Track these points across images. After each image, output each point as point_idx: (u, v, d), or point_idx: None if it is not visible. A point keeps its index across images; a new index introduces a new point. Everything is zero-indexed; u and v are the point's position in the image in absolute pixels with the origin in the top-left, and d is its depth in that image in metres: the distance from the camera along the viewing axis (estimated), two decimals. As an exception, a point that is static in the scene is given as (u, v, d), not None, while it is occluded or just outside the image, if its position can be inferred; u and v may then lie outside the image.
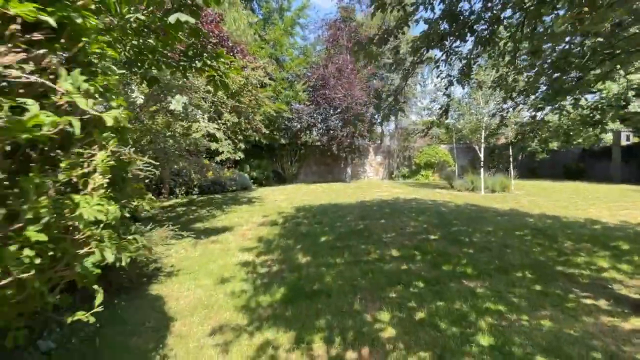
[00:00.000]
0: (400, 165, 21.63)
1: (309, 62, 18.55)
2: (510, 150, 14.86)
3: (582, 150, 19.99)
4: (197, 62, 3.54)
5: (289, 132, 19.57)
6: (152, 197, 2.81)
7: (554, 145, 20.68)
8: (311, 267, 4.36)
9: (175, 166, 13.77)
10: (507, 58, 5.06)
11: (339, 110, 18.32)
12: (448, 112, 5.24)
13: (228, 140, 7.77)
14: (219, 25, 12.58)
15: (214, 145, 7.39)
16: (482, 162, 12.48)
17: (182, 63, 3.45)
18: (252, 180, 16.00)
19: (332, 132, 18.30)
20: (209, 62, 3.63)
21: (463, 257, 4.73)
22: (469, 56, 4.73)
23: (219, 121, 7.87)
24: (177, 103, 4.33)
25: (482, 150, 12.40)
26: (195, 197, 12.45)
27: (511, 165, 13.40)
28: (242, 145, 8.47)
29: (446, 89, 4.81)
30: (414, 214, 7.78)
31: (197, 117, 4.86)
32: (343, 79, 17.78)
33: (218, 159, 7.69)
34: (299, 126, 19.30)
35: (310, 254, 4.88)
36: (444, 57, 4.61)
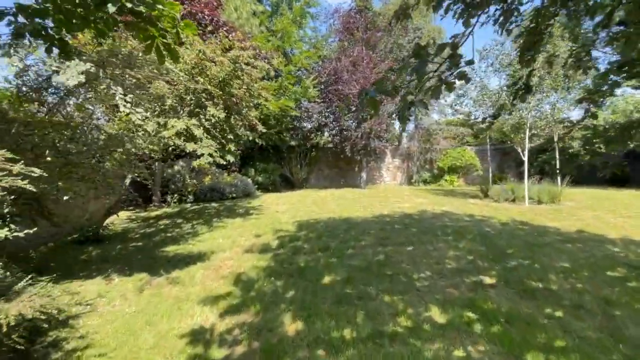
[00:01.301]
0: (421, 169, 19.61)
1: (320, 56, 16.87)
2: (557, 153, 12.70)
3: (624, 152, 17.31)
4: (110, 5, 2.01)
5: (298, 132, 17.97)
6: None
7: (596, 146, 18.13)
8: (301, 347, 2.63)
9: (170, 170, 12.45)
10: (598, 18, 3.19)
11: (353, 108, 16.56)
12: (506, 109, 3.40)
13: (211, 139, 6.16)
14: (216, 10, 11.10)
15: (190, 146, 5.80)
16: (524, 166, 10.42)
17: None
18: (256, 186, 14.45)
19: (345, 132, 16.55)
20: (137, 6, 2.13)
21: (551, 327, 2.89)
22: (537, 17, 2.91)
23: (201, 117, 6.28)
24: (70, 73, 2.69)
25: (526, 151, 10.33)
26: (188, 205, 10.96)
27: (558, 171, 11.25)
28: (233, 147, 6.84)
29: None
30: (450, 236, 5.92)
31: (117, 98, 3.27)
32: (358, 73, 16.02)
33: (195, 163, 6.08)
34: (309, 126, 17.66)
35: (303, 314, 3.15)
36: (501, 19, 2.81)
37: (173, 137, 5.66)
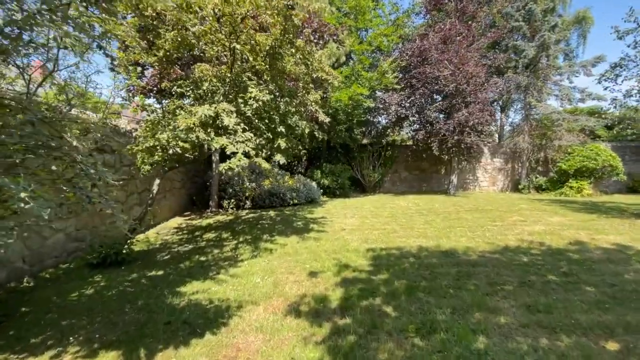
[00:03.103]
0: (532, 172, 15.21)
1: (401, 36, 14.09)
2: None
3: None
4: None
5: (371, 128, 15.51)
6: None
7: None
8: None
9: (230, 172, 11.28)
10: None
11: (443, 94, 13.37)
12: None
13: (250, 132, 4.25)
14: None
15: (217, 142, 3.95)
16: None
17: None
18: (322, 190, 12.52)
19: (431, 126, 13.49)
20: None
21: None
22: None
23: (239, 100, 4.43)
24: None
25: None
26: (244, 213, 9.52)
27: None
28: (283, 143, 4.84)
29: None
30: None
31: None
32: (450, 51, 12.83)
33: (224, 166, 4.17)
34: (384, 121, 15.05)
35: None
36: None
37: (195, 128, 3.92)
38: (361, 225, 7.22)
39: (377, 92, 13.25)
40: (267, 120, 4.90)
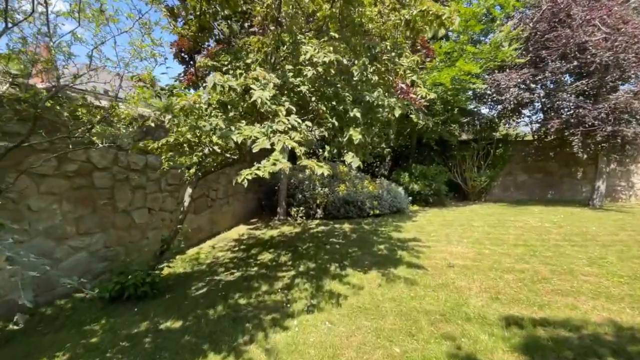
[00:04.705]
0: None
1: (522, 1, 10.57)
2: None
3: None
4: None
5: (476, 120, 12.28)
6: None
7: None
8: None
9: (301, 175, 9.78)
10: None
11: (592, 69, 9.47)
12: None
13: (302, 121, 2.47)
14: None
15: (242, 133, 2.24)
16: None
17: None
18: (411, 197, 10.12)
19: (570, 113, 9.80)
20: None
21: None
22: None
23: (286, 68, 2.70)
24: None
25: None
26: (314, 224, 7.94)
27: None
28: (358, 136, 2.87)
29: None
30: None
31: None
32: (602, 8, 8.99)
33: (245, 174, 2.44)
34: (491, 111, 11.67)
35: None
36: None
37: (208, 111, 2.35)
38: (477, 259, 4.77)
39: (484, 74, 10.13)
40: (332, 101, 3.06)
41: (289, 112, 2.43)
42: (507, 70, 10.21)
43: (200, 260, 5.35)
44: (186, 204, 3.88)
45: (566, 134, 9.82)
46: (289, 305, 3.37)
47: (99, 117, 3.27)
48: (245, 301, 3.54)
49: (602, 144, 9.57)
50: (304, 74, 2.66)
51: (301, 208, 8.58)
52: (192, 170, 3.85)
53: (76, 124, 3.38)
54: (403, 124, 10.95)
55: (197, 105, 2.44)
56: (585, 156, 9.92)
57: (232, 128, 2.26)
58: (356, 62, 2.82)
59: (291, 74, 2.72)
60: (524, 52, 10.02)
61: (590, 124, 9.30)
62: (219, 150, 3.66)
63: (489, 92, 10.61)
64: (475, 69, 8.49)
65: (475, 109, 11.99)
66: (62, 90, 3.02)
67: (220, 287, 3.97)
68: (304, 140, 2.60)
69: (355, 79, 2.97)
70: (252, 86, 2.29)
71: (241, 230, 7.69)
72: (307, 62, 2.67)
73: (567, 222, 7.50)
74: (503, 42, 9.32)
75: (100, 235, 4.26)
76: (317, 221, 8.27)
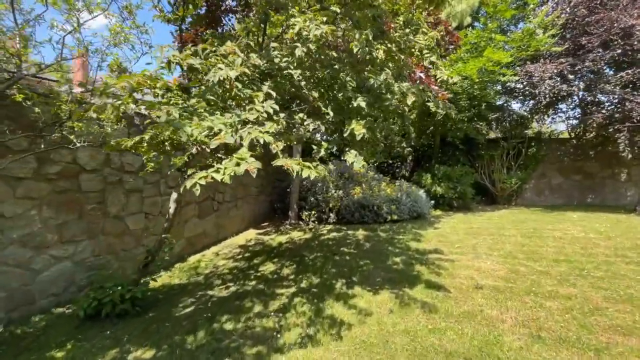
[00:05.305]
0: None
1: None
2: None
3: None
4: None
5: (506, 116, 11.27)
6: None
7: None
8: None
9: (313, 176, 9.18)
10: None
11: (630, 59, 8.30)
12: None
13: (291, 112, 1.94)
14: None
15: (196, 127, 1.70)
16: None
17: None
18: (433, 201, 9.35)
19: (611, 107, 8.71)
20: None
21: None
22: None
23: (270, 47, 2.19)
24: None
25: None
26: (325, 230, 7.40)
27: None
28: (361, 130, 2.31)
29: None
30: None
31: None
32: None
33: (223, 174, 1.93)
34: (530, 104, 10.61)
35: None
36: None
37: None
38: (511, 278, 4.04)
39: (515, 65, 9.15)
40: (331, 88, 2.51)
41: (267, 97, 1.91)
42: (542, 60, 9.20)
43: (200, 269, 4.97)
44: (171, 210, 3.46)
45: (610, 130, 8.71)
46: (279, 335, 2.85)
47: (70, 111, 2.91)
48: (232, 326, 3.06)
49: (652, 142, 8.41)
50: (291, 45, 2.13)
51: (313, 212, 8.06)
52: (179, 172, 3.44)
53: (47, 120, 3.04)
54: (425, 121, 10.18)
55: (150, 90, 1.98)
56: (630, 156, 8.75)
57: (195, 119, 1.78)
58: (357, 37, 2.27)
59: (276, 52, 2.21)
60: (560, 41, 8.98)
61: (638, 118, 8.16)
62: (208, 150, 3.19)
63: (520, 85, 9.64)
64: (505, 58, 7.62)
65: (505, 105, 11.01)
66: (38, 83, 2.68)
67: (210, 306, 3.52)
68: (294, 136, 2.07)
69: (358, 53, 2.37)
70: (219, 65, 1.80)
71: (250, 235, 7.29)
72: (296, 39, 2.15)
73: (614, 232, 6.52)
74: (537, 29, 8.36)
75: (88, 243, 3.93)
76: (329, 226, 7.73)
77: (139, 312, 3.37)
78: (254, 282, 4.25)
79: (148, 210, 4.81)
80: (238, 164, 1.66)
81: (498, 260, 4.75)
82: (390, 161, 11.98)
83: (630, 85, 8.78)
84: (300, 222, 8.23)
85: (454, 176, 9.84)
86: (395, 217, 7.84)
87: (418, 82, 3.30)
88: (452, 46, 7.76)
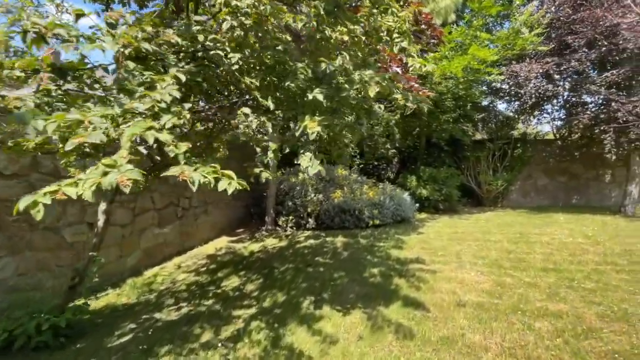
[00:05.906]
0: None
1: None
2: None
3: None
4: None
5: (491, 117, 11.07)
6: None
7: None
8: None
9: (293, 179, 8.68)
10: None
11: (624, 56, 8.16)
12: None
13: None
14: None
15: (71, 117, 1.30)
16: None
17: None
18: (418, 204, 8.98)
19: (599, 108, 8.56)
20: None
21: None
22: None
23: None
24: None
25: None
26: (303, 237, 6.93)
27: None
28: (315, 127, 1.89)
29: None
30: None
31: None
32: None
33: (83, 188, 1.53)
34: (515, 104, 10.39)
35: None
36: None
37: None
38: (496, 292, 3.66)
39: (500, 65, 8.88)
40: (280, 78, 2.05)
41: (178, 85, 1.46)
42: (527, 60, 9.00)
43: (154, 285, 4.43)
44: (100, 223, 2.93)
45: (596, 131, 8.54)
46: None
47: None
48: (171, 362, 2.56)
49: (636, 143, 8.25)
50: (222, 28, 1.69)
51: (291, 217, 7.58)
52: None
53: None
54: (410, 122, 9.84)
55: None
56: (614, 157, 8.60)
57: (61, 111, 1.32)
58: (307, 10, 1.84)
59: (198, 27, 1.75)
60: (545, 41, 8.78)
61: (624, 119, 8.01)
62: (145, 152, 2.69)
63: (505, 85, 9.44)
64: (491, 55, 7.33)
65: (491, 105, 10.80)
66: None
67: (151, 334, 3.01)
68: (229, 136, 1.59)
69: (302, 35, 1.93)
70: (102, 38, 1.34)
71: (221, 243, 6.75)
72: (224, 8, 1.71)
73: (602, 235, 6.26)
74: (522, 27, 8.13)
75: (9, 260, 3.36)
76: (307, 232, 7.26)
77: (63, 344, 2.83)
78: (210, 302, 3.74)
79: (92, 219, 4.25)
80: (106, 174, 1.19)
81: (483, 270, 4.37)
82: (376, 163, 11.60)
83: (615, 86, 8.64)
84: (277, 228, 7.74)
85: (440, 178, 9.52)
86: (377, 222, 7.43)
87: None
88: (434, 40, 7.38)
